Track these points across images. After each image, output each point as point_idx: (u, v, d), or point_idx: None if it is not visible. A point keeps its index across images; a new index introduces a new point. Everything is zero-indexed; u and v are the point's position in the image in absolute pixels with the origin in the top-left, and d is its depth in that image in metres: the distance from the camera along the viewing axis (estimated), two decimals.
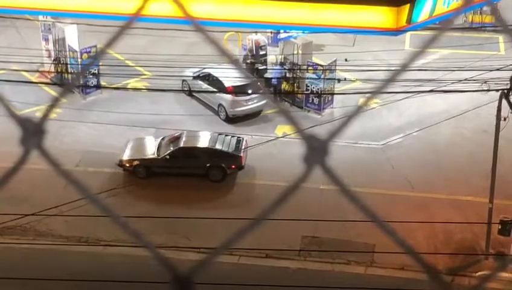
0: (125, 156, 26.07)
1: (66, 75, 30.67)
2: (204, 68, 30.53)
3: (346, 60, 30.64)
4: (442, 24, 14.69)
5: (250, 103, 29.28)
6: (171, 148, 26.04)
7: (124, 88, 30.19)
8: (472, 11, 35.41)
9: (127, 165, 25.98)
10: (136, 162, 25.89)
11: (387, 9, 23.51)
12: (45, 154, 1.62)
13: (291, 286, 20.22)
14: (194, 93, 30.52)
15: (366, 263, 22.62)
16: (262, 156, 26.80)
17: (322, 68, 29.43)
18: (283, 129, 28.84)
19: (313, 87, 29.63)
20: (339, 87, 29.82)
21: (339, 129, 1.68)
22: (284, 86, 30.73)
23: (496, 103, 21.56)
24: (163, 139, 26.74)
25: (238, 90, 29.18)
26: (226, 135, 26.92)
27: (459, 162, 26.66)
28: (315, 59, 30.48)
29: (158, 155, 25.99)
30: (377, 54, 32.05)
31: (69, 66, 30.67)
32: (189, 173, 25.51)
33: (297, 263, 22.55)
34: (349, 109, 29.16)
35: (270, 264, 22.47)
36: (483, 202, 22.73)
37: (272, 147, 27.13)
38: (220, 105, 29.43)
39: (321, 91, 29.52)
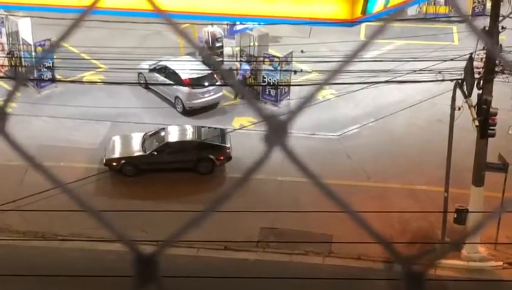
0: (111, 155, 25.76)
1: (19, 68, 30.31)
2: (161, 61, 30.41)
3: (302, 51, 30.71)
4: (391, 16, 14.82)
5: (206, 95, 29.24)
6: (157, 143, 25.93)
7: (80, 81, 29.92)
8: (426, 2, 35.77)
9: (114, 164, 25.71)
10: (123, 161, 25.66)
11: (342, 1, 23.66)
12: (9, 140, 1.58)
13: (250, 278, 20.24)
14: (150, 86, 30.37)
15: (323, 254, 22.76)
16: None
17: (278, 60, 29.48)
18: (240, 121, 28.85)
19: (270, 79, 29.68)
20: (295, 79, 29.90)
21: (298, 110, 1.69)
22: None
23: (450, 93, 21.82)
24: (146, 135, 26.56)
25: (194, 83, 29.12)
26: (209, 127, 26.97)
27: (414, 152, 26.94)
28: (271, 51, 30.53)
29: (144, 152, 25.80)
30: (332, 45, 32.18)
31: (22, 59, 30.30)
32: (178, 168, 25.43)
33: (256, 255, 22.61)
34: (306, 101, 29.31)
35: (229, 256, 22.50)
36: (438, 191, 23.00)
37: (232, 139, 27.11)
38: (176, 97, 29.33)
39: (278, 83, 29.58)
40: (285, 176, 25.04)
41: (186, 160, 25.55)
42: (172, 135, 26.27)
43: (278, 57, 29.66)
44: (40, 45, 29.73)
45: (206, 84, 29.22)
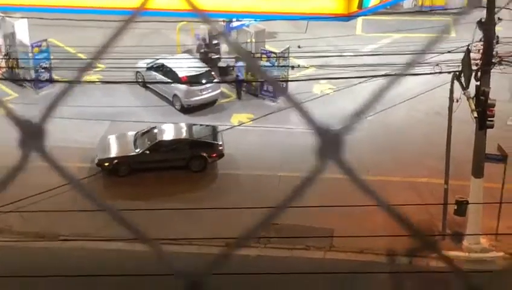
0: (103, 155, 25.63)
1: (16, 70, 30.29)
2: (158, 59, 30.39)
3: (299, 46, 30.70)
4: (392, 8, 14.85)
5: (204, 93, 29.24)
6: (148, 142, 25.87)
7: (78, 81, 29.82)
8: None
9: (106, 164, 25.57)
10: (115, 161, 25.55)
11: None
12: (47, 157, 1.53)
13: (251, 274, 20.25)
14: (148, 85, 30.36)
15: (325, 248, 22.77)
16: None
17: (275, 56, 29.47)
18: (238, 118, 28.86)
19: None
20: (293, 74, 29.89)
21: (353, 122, 1.63)
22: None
23: (448, 85, 21.82)
24: (137, 133, 26.47)
25: (192, 80, 29.11)
26: (201, 125, 26.96)
27: (414, 145, 26.94)
28: (268, 47, 30.52)
29: (137, 151, 25.72)
30: (329, 39, 32.18)
31: (19, 60, 30.27)
32: (171, 166, 25.40)
33: (257, 250, 22.61)
34: (304, 96, 29.29)
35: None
36: (438, 183, 23.02)
37: (228, 136, 27.09)
38: (174, 95, 29.33)
39: (275, 79, 29.55)
40: (285, 171, 25.07)
41: (178, 158, 25.51)
42: (165, 133, 26.22)
43: (275, 53, 29.66)
44: (37, 46, 29.72)
45: (204, 81, 29.21)
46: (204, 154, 25.71)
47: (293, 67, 29.59)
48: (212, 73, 29.72)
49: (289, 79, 29.84)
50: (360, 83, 26.85)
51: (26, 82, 30.20)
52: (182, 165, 25.51)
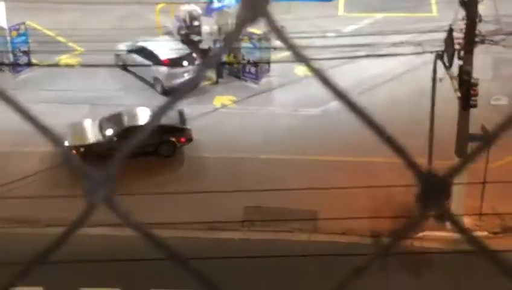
0: (70, 143, 25.01)
1: None
2: (138, 41, 30.05)
3: (282, 27, 30.43)
4: None
5: (186, 75, 28.95)
6: (115, 128, 25.37)
7: (56, 65, 29.53)
8: None
9: (74, 152, 24.63)
10: (82, 149, 24.99)
11: None
12: (116, 209, 1.29)
13: (235, 257, 20.13)
14: (128, 68, 30.03)
15: (309, 230, 22.67)
16: (201, 128, 26.58)
17: (257, 37, 29.22)
18: (221, 100, 28.63)
19: (250, 57, 29.43)
20: (275, 56, 29.67)
21: (464, 166, 1.40)
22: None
23: (431, 65, 21.68)
24: (102, 119, 25.96)
25: (173, 63, 28.81)
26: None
27: (398, 125, 26.72)
28: (250, 28, 30.24)
29: (104, 138, 25.27)
30: (312, 21, 31.96)
31: None
32: (140, 152, 24.66)
33: (241, 234, 22.48)
34: (287, 78, 29.11)
35: (214, 236, 22.35)
36: (422, 163, 22.92)
37: (211, 119, 26.88)
38: (155, 78, 29.04)
39: (257, 60, 29.35)
40: (266, 153, 24.90)
41: (148, 144, 24.74)
42: (131, 118, 25.62)
43: (257, 34, 29.40)
44: (14, 29, 29.32)
45: (186, 63, 28.92)
46: (173, 139, 25.41)
47: (275, 48, 29.37)
48: (194, 55, 29.42)
49: (271, 60, 29.63)
50: (342, 64, 26.70)
51: (4, 66, 29.78)
52: (150, 150, 24.97)
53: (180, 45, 30.03)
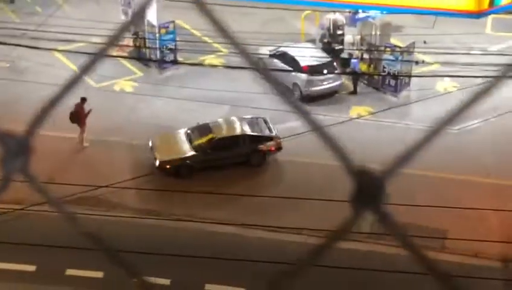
0: (163, 157, 24.64)
1: (144, 49, 30.99)
2: (280, 47, 30.42)
3: (425, 42, 30.14)
4: None
5: (325, 83, 29.08)
6: (205, 140, 24.95)
7: (201, 64, 30.32)
8: None
9: (168, 167, 24.60)
10: (178, 162, 24.64)
11: None
12: (31, 179, 1.36)
13: (361, 269, 20.10)
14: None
15: (437, 249, 22.30)
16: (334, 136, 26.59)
17: (400, 50, 29.01)
18: (357, 110, 28.60)
19: (390, 69, 29.26)
20: (416, 70, 29.38)
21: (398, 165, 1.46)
22: (361, 66, 30.40)
23: None
24: (189, 131, 25.59)
25: (313, 70, 28.99)
26: (252, 117, 26.23)
27: None
28: (393, 40, 30.07)
29: (196, 150, 24.80)
30: (457, 36, 31.43)
31: (147, 40, 30.95)
32: (231, 163, 24.70)
33: (367, 246, 22.37)
34: (427, 93, 28.75)
35: (340, 246, 22.32)
36: None
37: (345, 128, 26.88)
38: (294, 84, 29.31)
39: (398, 73, 29.13)
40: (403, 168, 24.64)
41: (239, 154, 24.78)
42: (220, 129, 25.30)
43: (399, 47, 29.19)
44: (164, 27, 30.29)
45: (325, 71, 29.05)
46: (263, 148, 25.16)
47: (417, 62, 29.09)
48: (334, 64, 29.53)
49: (412, 74, 29.34)
50: (484, 82, 26.11)
51: (151, 62, 30.87)
52: (241, 161, 24.84)
53: (321, 53, 30.19)
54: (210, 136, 25.02)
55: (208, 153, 24.72)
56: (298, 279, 1.68)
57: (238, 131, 25.33)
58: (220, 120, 25.91)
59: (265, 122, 26.02)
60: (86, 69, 1.44)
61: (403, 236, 1.35)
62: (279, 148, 25.49)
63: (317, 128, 1.39)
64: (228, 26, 1.58)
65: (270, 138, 25.42)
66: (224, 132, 25.22)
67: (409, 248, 1.35)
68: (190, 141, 25.20)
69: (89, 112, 25.78)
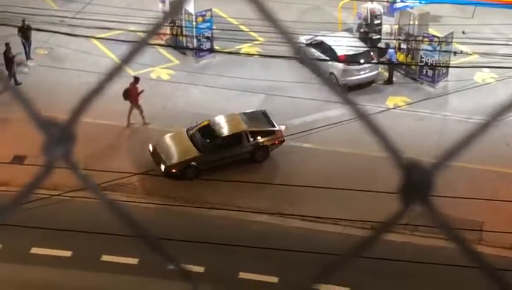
0: (168, 162, 24.12)
1: (180, 37, 31.03)
2: (317, 36, 30.28)
3: (463, 32, 29.81)
4: None
5: (362, 73, 28.91)
6: (208, 139, 24.48)
7: (237, 53, 30.30)
8: None
9: (175, 170, 24.18)
10: (184, 165, 24.18)
11: None
12: (73, 166, 1.38)
13: (397, 260, 19.99)
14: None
15: (474, 241, 22.11)
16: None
17: (438, 40, 28.71)
18: (394, 100, 28.40)
19: (428, 59, 28.99)
20: (454, 60, 29.08)
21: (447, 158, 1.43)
22: (398, 56, 30.16)
23: None
24: (190, 131, 24.95)
25: (350, 59, 28.83)
26: (252, 112, 25.79)
27: None
28: (431, 30, 29.77)
29: (200, 151, 24.34)
30: (496, 27, 31.03)
31: (184, 28, 30.98)
32: (235, 161, 24.33)
33: (404, 237, 22.24)
34: (465, 84, 28.45)
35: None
36: None
37: (382, 118, 26.69)
38: (331, 73, 29.18)
39: (436, 63, 28.86)
40: (434, 158, 24.44)
41: (243, 151, 24.46)
42: (222, 127, 24.91)
43: (437, 37, 28.89)
44: (201, 15, 30.30)
45: (362, 61, 28.87)
46: (267, 143, 24.82)
47: (455, 53, 28.79)
48: (371, 53, 29.33)
49: (450, 65, 29.05)
50: None
51: (188, 50, 30.92)
52: (246, 158, 24.54)
53: (358, 42, 30.01)
54: (213, 135, 24.49)
55: (212, 153, 24.26)
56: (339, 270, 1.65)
57: (239, 127, 24.80)
58: (220, 117, 25.32)
59: (265, 115, 25.61)
60: (128, 58, 1.45)
61: (450, 230, 1.32)
62: (282, 141, 25.10)
63: (363, 118, 1.36)
64: (275, 14, 1.55)
65: (273, 132, 25.07)
66: (226, 130, 24.75)
67: (456, 241, 1.32)
68: (193, 141, 24.66)
69: (141, 92, 26.36)
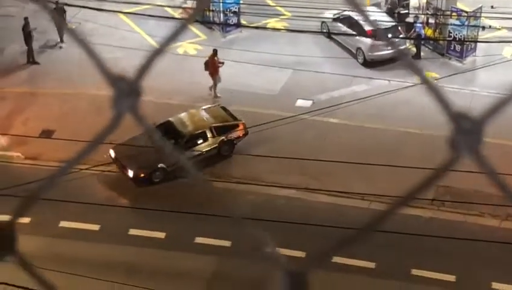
0: (134, 167, 23.23)
1: (207, 12, 30.99)
2: (345, 11, 30.12)
3: (492, 7, 29.48)
4: None
5: (389, 48, 28.72)
6: (173, 140, 23.29)
7: (263, 28, 30.23)
8: None
9: (143, 175, 23.45)
10: (151, 169, 23.44)
11: None
12: (139, 119, 1.47)
13: (422, 235, 20.00)
14: (332, 36, 30.21)
15: (501, 217, 22.04)
16: (397, 102, 26.38)
17: (466, 14, 28.45)
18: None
19: (456, 34, 28.75)
20: (483, 35, 28.82)
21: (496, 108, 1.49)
22: (426, 31, 29.94)
23: None
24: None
25: (378, 34, 28.64)
26: (210, 107, 25.43)
27: None
28: (460, 5, 29.50)
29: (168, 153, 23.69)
30: None
31: (211, 3, 30.92)
32: (203, 158, 23.73)
33: (430, 212, 22.24)
34: (493, 59, 28.19)
35: (402, 212, 22.23)
36: None
37: (409, 93, 26.56)
38: (358, 48, 29.04)
39: (464, 38, 28.62)
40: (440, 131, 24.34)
41: (211, 148, 24.13)
42: (186, 125, 24.29)
43: (466, 12, 28.62)
44: None
45: (390, 36, 28.68)
46: (232, 137, 24.54)
47: (483, 27, 28.53)
48: (399, 28, 29.14)
49: (478, 40, 28.80)
50: None
51: (214, 25, 30.90)
52: (213, 154, 24.19)
53: (386, 17, 29.81)
54: (178, 134, 23.78)
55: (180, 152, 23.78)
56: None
57: (204, 124, 24.38)
58: (182, 115, 24.63)
59: (224, 109, 25.34)
60: (175, 35, 1.52)
61: (497, 177, 1.38)
62: (246, 133, 24.74)
63: (426, 82, 1.42)
64: None
65: (236, 125, 24.76)
66: (191, 128, 24.18)
67: (502, 189, 1.38)
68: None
69: (221, 63, 27.11)
